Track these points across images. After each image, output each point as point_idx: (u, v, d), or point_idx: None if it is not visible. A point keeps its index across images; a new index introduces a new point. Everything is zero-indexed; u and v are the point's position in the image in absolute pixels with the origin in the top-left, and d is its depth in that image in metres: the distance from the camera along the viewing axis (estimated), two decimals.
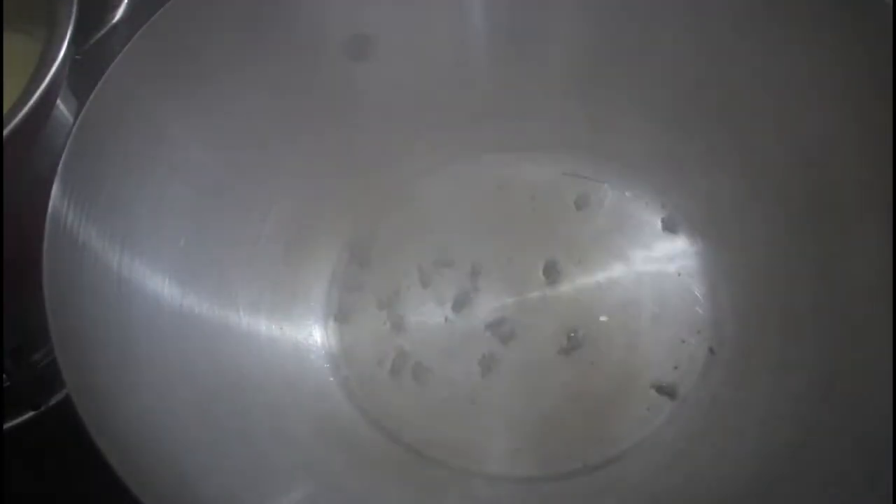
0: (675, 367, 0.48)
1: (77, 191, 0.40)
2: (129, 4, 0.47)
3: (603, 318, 0.49)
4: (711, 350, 0.48)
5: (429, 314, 0.49)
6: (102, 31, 0.46)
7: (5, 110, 0.37)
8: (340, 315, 0.49)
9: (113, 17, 0.46)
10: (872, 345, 0.43)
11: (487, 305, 0.49)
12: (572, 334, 0.48)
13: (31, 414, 0.48)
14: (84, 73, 0.44)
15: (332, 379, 0.48)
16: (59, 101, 0.42)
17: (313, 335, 0.49)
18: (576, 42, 0.51)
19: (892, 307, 0.43)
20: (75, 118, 0.41)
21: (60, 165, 0.40)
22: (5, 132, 0.37)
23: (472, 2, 0.51)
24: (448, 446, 0.46)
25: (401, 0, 0.50)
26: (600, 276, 0.50)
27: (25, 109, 0.37)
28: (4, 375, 0.48)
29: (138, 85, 0.43)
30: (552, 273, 0.50)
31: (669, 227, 0.51)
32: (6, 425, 0.48)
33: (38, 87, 0.38)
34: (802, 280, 0.47)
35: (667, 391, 0.47)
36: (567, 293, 0.49)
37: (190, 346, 0.44)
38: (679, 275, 0.50)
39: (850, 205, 0.46)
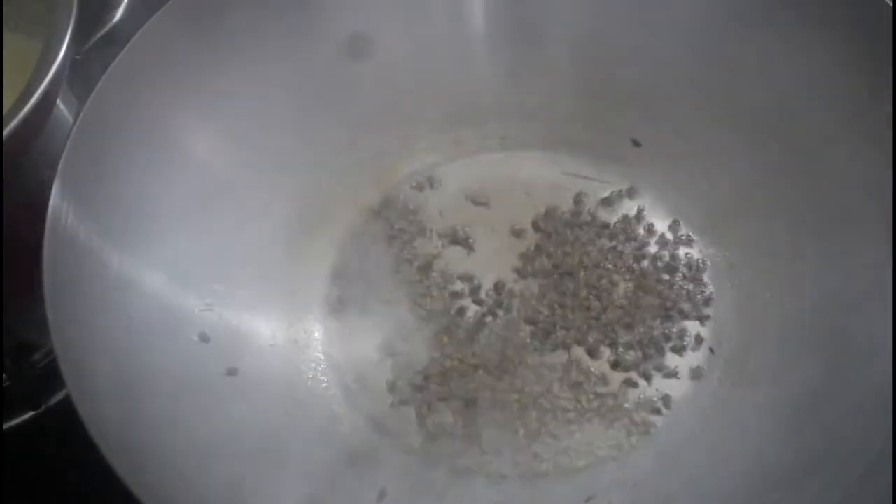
0: (675, 368, 0.48)
1: (77, 191, 0.40)
2: (129, 4, 0.47)
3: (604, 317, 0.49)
4: (711, 350, 0.48)
5: (429, 313, 0.49)
6: (102, 31, 0.46)
7: (5, 110, 0.37)
8: (340, 315, 0.49)
9: (113, 17, 0.46)
10: (872, 345, 0.43)
11: (486, 304, 0.49)
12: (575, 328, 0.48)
13: (31, 414, 0.48)
14: (84, 73, 0.44)
15: (331, 379, 0.48)
16: (59, 101, 0.42)
17: (313, 335, 0.49)
18: (576, 42, 0.51)
19: (893, 307, 0.43)
20: (75, 118, 0.41)
21: (60, 165, 0.40)
22: (5, 132, 0.37)
23: (472, 2, 0.51)
24: (449, 446, 0.46)
25: (401, 0, 0.50)
26: (601, 276, 0.50)
27: (25, 109, 0.37)
28: (4, 375, 0.48)
29: (138, 85, 0.43)
30: (553, 273, 0.50)
31: (669, 227, 0.51)
32: (6, 425, 0.48)
33: (38, 87, 0.38)
34: (802, 280, 0.47)
35: (667, 391, 0.47)
36: (570, 290, 0.49)
37: (189, 346, 0.44)
38: (679, 274, 0.50)
39: (851, 205, 0.46)
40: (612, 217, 0.52)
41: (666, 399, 0.47)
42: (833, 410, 0.43)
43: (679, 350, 0.48)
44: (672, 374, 0.47)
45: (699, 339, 0.48)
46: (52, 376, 0.47)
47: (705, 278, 0.50)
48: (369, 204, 0.52)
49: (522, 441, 0.46)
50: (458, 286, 0.50)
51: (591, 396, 0.47)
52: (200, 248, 0.46)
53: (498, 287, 0.50)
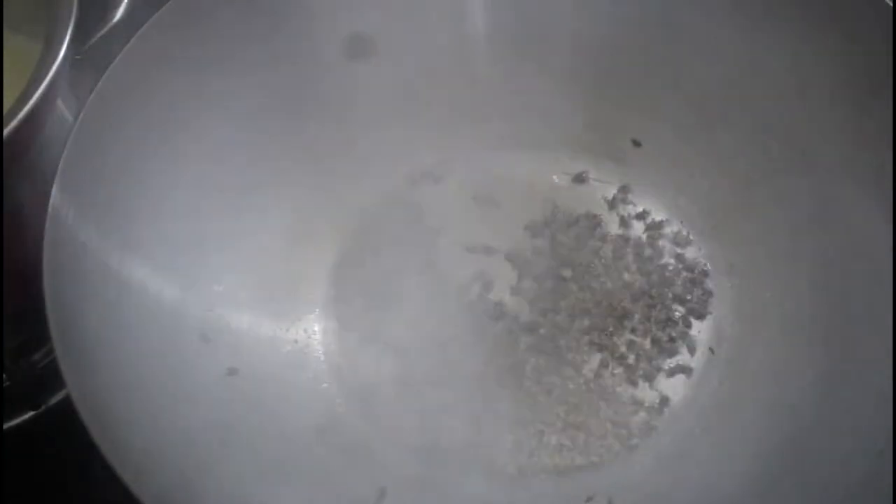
0: (675, 368, 0.48)
1: (77, 191, 0.40)
2: (129, 4, 0.47)
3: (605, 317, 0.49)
4: (711, 350, 0.48)
5: (429, 314, 0.49)
6: (102, 31, 0.46)
7: (5, 110, 0.37)
8: (340, 315, 0.49)
9: (113, 17, 0.46)
10: (872, 344, 0.43)
11: (487, 304, 0.49)
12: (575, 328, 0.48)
13: (31, 414, 0.48)
14: (84, 73, 0.44)
15: (331, 379, 0.48)
16: (59, 101, 0.42)
17: (313, 335, 0.49)
18: (576, 42, 0.51)
19: (893, 306, 0.43)
20: (75, 118, 0.41)
21: (60, 165, 0.40)
22: (5, 132, 0.37)
23: (472, 2, 0.51)
24: (448, 445, 0.46)
25: (401, 0, 0.50)
26: (601, 277, 0.50)
27: (25, 109, 0.37)
28: (4, 375, 0.48)
29: (138, 85, 0.43)
30: (553, 274, 0.50)
31: (669, 227, 0.51)
32: (6, 425, 0.48)
33: (38, 87, 0.38)
34: (802, 280, 0.47)
35: (667, 391, 0.47)
36: (569, 290, 0.49)
37: (189, 346, 0.44)
38: (679, 274, 0.50)
39: (850, 205, 0.46)
40: (612, 217, 0.52)
41: (666, 399, 0.47)
42: (833, 410, 0.43)
43: (679, 350, 0.48)
44: (672, 375, 0.47)
45: (699, 340, 0.48)
46: (52, 376, 0.47)
47: (705, 278, 0.50)
48: (369, 204, 0.52)
49: (523, 441, 0.46)
50: (459, 286, 0.50)
51: (592, 396, 0.47)
52: (201, 248, 0.46)
53: (498, 287, 0.50)
